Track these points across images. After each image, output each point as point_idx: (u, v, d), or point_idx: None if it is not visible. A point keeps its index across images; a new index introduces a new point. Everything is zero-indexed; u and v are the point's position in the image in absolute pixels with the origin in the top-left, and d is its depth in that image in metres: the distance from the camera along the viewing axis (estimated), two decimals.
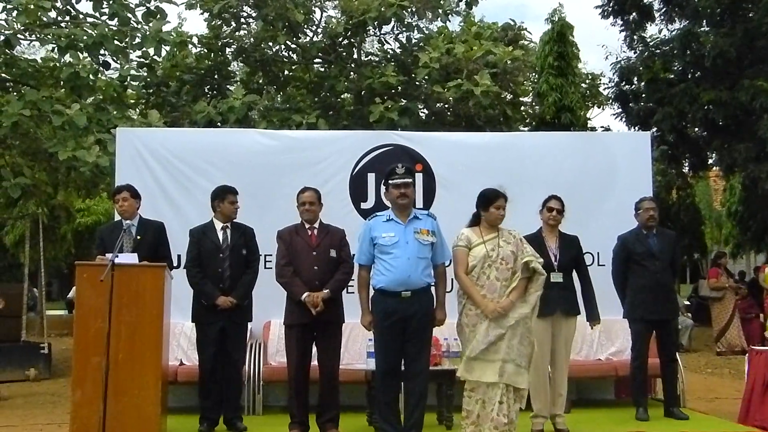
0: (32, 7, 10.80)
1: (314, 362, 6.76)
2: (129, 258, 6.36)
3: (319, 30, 15.86)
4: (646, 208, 7.45)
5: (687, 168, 19.10)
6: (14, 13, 11.01)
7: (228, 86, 15.85)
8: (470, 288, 5.98)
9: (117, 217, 7.21)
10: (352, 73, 15.79)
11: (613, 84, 18.20)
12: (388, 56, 16.07)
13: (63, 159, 10.06)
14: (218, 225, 6.99)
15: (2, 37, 10.83)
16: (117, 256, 6.10)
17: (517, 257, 6.06)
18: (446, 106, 15.45)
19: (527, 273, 6.07)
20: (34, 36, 11.44)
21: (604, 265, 8.03)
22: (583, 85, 20.91)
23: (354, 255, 6.64)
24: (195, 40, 15.49)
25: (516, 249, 6.08)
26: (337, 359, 6.74)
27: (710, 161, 18.41)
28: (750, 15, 15.14)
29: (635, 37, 17.23)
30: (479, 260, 6.02)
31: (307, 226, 6.75)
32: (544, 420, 6.75)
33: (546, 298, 6.39)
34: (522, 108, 17.98)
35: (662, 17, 16.84)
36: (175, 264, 7.30)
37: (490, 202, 6.14)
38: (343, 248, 6.79)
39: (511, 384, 5.86)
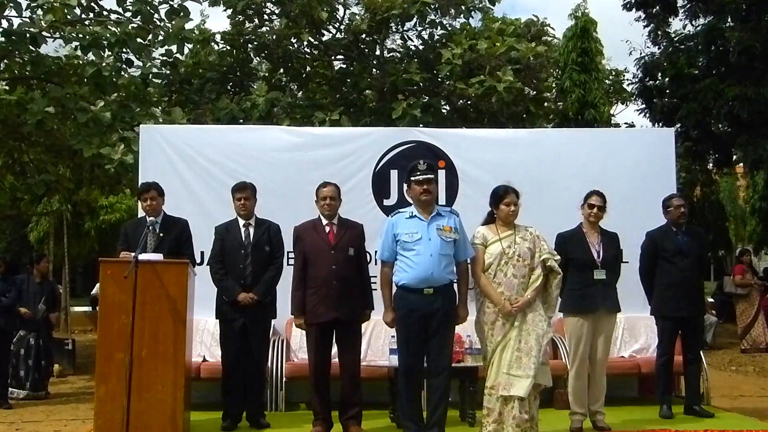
0: (58, 4, 10.85)
1: (336, 359, 6.76)
2: (153, 257, 6.32)
3: (343, 27, 15.87)
4: (676, 206, 7.34)
5: (711, 164, 18.96)
6: (39, 12, 11.07)
7: (251, 83, 15.88)
8: (487, 286, 5.99)
9: (140, 214, 7.22)
10: (374, 69, 15.79)
11: (636, 80, 18.07)
12: (410, 53, 16.06)
13: (87, 156, 10.12)
14: (241, 222, 6.99)
15: (28, 36, 10.88)
16: (140, 254, 6.12)
17: (535, 254, 6.04)
18: (469, 102, 15.41)
19: (545, 271, 6.05)
20: (58, 34, 11.47)
21: (627, 262, 7.88)
22: (606, 81, 20.78)
23: (376, 252, 6.64)
24: (218, 37, 15.56)
25: (533, 246, 6.06)
26: (357, 356, 6.73)
27: (735, 158, 18.25)
28: None
29: (659, 32, 17.09)
30: (495, 257, 6.01)
31: (325, 222, 6.69)
32: (583, 417, 6.68)
33: (589, 295, 6.37)
34: (545, 104, 17.89)
35: (686, 12, 16.69)
36: (198, 261, 7.32)
37: (500, 199, 6.14)
38: (362, 246, 6.76)
39: (537, 382, 5.87)
